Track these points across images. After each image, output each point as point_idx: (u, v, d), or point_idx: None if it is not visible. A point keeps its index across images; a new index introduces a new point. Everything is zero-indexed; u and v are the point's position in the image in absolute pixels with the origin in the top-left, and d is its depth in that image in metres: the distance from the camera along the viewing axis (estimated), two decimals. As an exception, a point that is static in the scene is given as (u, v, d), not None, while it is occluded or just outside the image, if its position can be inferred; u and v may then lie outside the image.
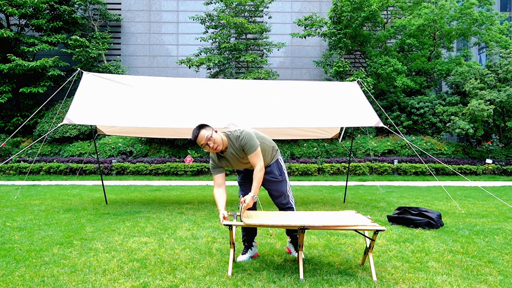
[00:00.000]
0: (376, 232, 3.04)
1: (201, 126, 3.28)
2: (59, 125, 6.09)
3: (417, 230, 4.82)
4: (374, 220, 5.46)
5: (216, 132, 3.31)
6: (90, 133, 14.82)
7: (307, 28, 16.31)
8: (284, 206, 3.62)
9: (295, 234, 3.67)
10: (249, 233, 3.63)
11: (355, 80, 8.82)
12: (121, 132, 7.66)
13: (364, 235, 3.30)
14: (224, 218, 3.15)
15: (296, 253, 3.64)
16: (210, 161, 3.50)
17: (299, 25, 16.50)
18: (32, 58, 16.03)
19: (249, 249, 3.64)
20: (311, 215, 3.44)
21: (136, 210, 6.32)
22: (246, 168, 3.55)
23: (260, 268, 3.34)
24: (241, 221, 3.15)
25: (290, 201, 3.63)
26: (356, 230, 3.21)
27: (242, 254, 3.63)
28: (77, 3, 16.62)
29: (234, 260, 3.36)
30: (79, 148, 14.49)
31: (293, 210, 3.65)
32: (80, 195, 8.44)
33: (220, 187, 3.39)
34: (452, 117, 14.40)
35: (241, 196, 3.49)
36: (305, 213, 3.53)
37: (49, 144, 14.97)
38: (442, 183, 10.94)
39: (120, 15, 18.05)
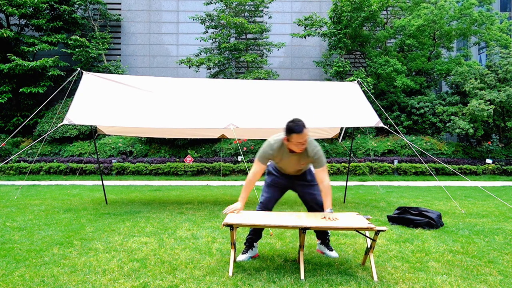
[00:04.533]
0: (377, 232, 3.04)
1: (304, 125, 3.27)
2: (59, 125, 6.09)
3: (417, 230, 4.82)
4: (374, 220, 5.48)
5: None
6: (90, 133, 14.82)
7: (307, 28, 16.30)
8: (320, 208, 3.57)
9: (325, 235, 3.70)
10: (255, 234, 3.62)
11: (355, 80, 8.82)
12: (121, 132, 7.66)
13: (365, 235, 3.30)
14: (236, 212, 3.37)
15: (331, 252, 3.69)
16: (265, 149, 3.44)
17: (299, 25, 16.49)
18: (32, 58, 16.01)
19: (250, 249, 3.64)
20: (312, 215, 3.44)
21: (136, 210, 6.32)
22: (292, 172, 3.58)
23: (260, 268, 3.34)
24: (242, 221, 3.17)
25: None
26: (357, 231, 3.22)
27: (242, 253, 3.63)
28: (77, 3, 16.60)
29: (234, 260, 3.36)
30: (79, 148, 14.49)
31: None
32: (80, 195, 8.43)
33: (256, 177, 3.47)
34: (452, 117, 14.40)
35: (263, 200, 3.58)
36: (305, 214, 3.53)
37: (49, 144, 14.96)
38: (442, 183, 10.94)
39: (120, 15, 18.04)
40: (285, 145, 3.36)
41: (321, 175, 3.35)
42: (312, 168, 3.54)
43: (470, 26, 15.84)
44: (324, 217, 3.23)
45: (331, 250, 3.72)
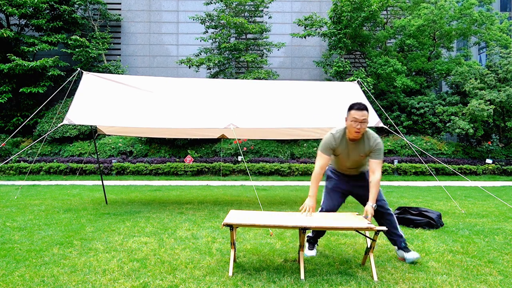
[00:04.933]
0: (377, 232, 3.05)
1: (366, 107, 3.32)
2: (59, 125, 6.09)
3: (417, 230, 4.82)
4: (374, 220, 5.48)
5: None
6: (90, 133, 14.82)
7: (307, 28, 16.31)
8: (385, 211, 3.48)
9: (396, 238, 3.59)
10: (318, 232, 3.71)
11: (355, 80, 8.82)
12: (121, 132, 7.66)
13: (365, 235, 3.30)
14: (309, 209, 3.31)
15: (409, 253, 3.51)
16: (328, 140, 3.45)
17: (299, 25, 16.49)
18: (32, 58, 16.02)
19: (316, 245, 3.76)
20: (311, 215, 3.44)
21: (136, 210, 6.32)
22: (351, 168, 3.54)
23: (260, 268, 3.34)
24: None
25: (388, 206, 3.52)
26: (357, 231, 3.22)
27: (309, 249, 3.72)
28: (77, 3, 16.61)
29: (235, 260, 3.36)
30: (79, 148, 14.49)
31: (393, 216, 3.51)
32: (80, 195, 8.43)
33: (323, 170, 3.44)
34: (452, 117, 14.40)
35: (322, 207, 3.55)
36: (306, 213, 3.52)
37: (49, 144, 14.96)
38: (442, 183, 10.94)
39: (120, 15, 18.05)
40: (346, 134, 3.41)
41: (375, 166, 3.31)
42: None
43: (470, 26, 15.84)
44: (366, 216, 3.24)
45: (408, 251, 3.52)
